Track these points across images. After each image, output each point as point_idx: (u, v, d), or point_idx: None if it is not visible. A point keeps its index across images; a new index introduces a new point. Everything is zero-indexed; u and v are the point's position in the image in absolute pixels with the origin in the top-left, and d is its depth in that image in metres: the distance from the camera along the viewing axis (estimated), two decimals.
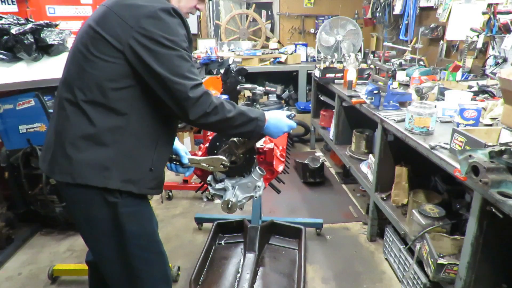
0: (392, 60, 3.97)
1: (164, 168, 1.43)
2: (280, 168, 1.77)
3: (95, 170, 1.22)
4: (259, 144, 1.69)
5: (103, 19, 1.20)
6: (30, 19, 2.62)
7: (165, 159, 1.43)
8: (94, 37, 1.19)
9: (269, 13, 5.73)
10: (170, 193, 3.40)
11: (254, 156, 1.59)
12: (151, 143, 1.30)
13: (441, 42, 3.68)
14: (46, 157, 1.31)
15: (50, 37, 2.48)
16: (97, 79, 1.20)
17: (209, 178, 1.65)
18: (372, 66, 2.98)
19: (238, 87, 2.35)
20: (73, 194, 1.29)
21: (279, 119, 1.44)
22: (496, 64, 2.87)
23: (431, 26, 3.81)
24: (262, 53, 5.06)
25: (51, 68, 2.51)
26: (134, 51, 1.16)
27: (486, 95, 2.49)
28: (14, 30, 2.31)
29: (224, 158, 1.48)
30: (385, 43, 3.27)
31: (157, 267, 1.46)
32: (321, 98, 4.16)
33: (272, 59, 5.03)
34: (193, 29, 5.45)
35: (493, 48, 2.94)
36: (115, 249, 1.34)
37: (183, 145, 1.61)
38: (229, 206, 1.55)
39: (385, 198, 2.49)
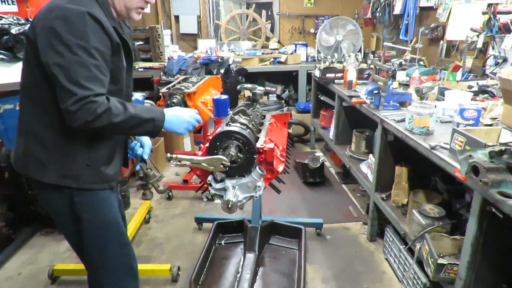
0: (392, 60, 3.97)
1: (111, 163, 1.44)
2: (280, 168, 1.77)
3: (35, 164, 1.33)
4: (259, 144, 1.69)
5: (32, 24, 1.27)
6: (30, 19, 2.62)
7: (107, 154, 1.43)
8: (27, 42, 1.27)
9: (269, 13, 5.73)
10: (170, 193, 3.40)
11: (254, 156, 1.59)
12: (84, 140, 1.33)
13: (441, 42, 3.68)
14: (13, 150, 1.42)
15: None
16: (30, 77, 1.28)
17: (209, 178, 1.64)
18: (372, 66, 2.98)
19: (238, 87, 2.35)
20: (34, 186, 1.40)
21: (177, 115, 1.43)
22: (496, 64, 2.87)
23: (431, 26, 3.82)
24: (262, 53, 5.06)
25: None
26: (42, 49, 1.19)
27: (486, 95, 2.49)
28: (14, 30, 2.31)
29: (224, 158, 1.48)
30: (385, 43, 3.26)
31: (118, 259, 1.50)
32: (321, 98, 4.16)
33: (272, 59, 5.03)
34: (193, 29, 5.46)
35: (493, 48, 2.94)
36: (77, 238, 1.43)
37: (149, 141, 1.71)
38: (229, 206, 1.55)
39: (385, 198, 2.49)
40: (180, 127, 1.43)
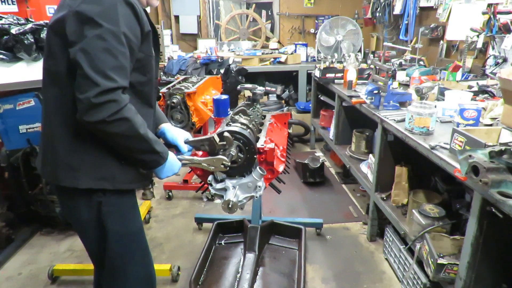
0: (392, 60, 3.97)
1: None
2: (281, 168, 1.77)
3: (66, 171, 1.23)
4: (260, 144, 1.69)
5: (57, 15, 1.16)
6: (30, 19, 2.62)
7: None
8: (51, 35, 1.17)
9: (269, 13, 5.73)
10: (170, 193, 3.40)
11: (255, 156, 1.59)
12: None
13: (441, 42, 3.68)
14: (39, 158, 1.33)
15: None
16: (55, 78, 1.18)
17: (210, 178, 1.64)
18: (372, 66, 2.98)
19: (238, 87, 2.35)
20: (61, 195, 1.33)
21: (173, 163, 1.37)
22: (496, 64, 2.87)
23: (431, 26, 3.82)
24: (262, 53, 5.06)
25: None
26: (68, 36, 1.09)
27: (486, 95, 2.49)
28: (14, 30, 2.31)
29: (225, 158, 1.47)
30: (385, 43, 3.27)
31: (140, 268, 1.46)
32: (321, 98, 4.16)
33: (272, 59, 5.03)
34: (193, 29, 5.46)
35: (493, 48, 2.94)
36: (100, 247, 1.36)
37: (183, 132, 1.56)
38: (230, 206, 1.55)
39: (385, 198, 2.49)
40: (166, 174, 1.36)
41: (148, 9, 1.40)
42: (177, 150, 1.53)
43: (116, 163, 1.25)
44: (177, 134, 1.53)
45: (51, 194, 2.65)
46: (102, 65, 1.06)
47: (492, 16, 2.83)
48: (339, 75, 3.59)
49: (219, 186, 1.62)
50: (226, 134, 1.49)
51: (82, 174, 1.22)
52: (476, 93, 2.51)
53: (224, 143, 1.50)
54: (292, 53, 5.04)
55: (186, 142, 1.53)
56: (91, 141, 1.21)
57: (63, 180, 1.25)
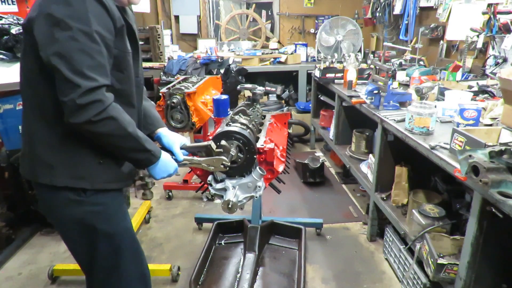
0: (392, 60, 3.97)
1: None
2: (281, 168, 1.77)
3: (42, 167, 1.23)
4: (259, 144, 1.69)
5: (28, 14, 1.15)
6: None
7: None
8: (24, 34, 1.17)
9: (269, 13, 5.73)
10: (170, 193, 3.40)
11: (255, 156, 1.59)
12: None
13: (441, 42, 3.68)
14: (20, 156, 1.33)
15: None
16: (29, 74, 1.19)
17: (210, 178, 1.64)
18: (372, 66, 2.98)
19: (238, 87, 2.35)
20: (40, 193, 1.31)
21: (167, 163, 1.35)
22: (496, 64, 2.87)
23: (431, 26, 3.81)
24: (262, 53, 5.06)
25: None
26: (39, 39, 1.08)
27: (486, 95, 2.49)
28: (14, 30, 2.31)
29: (224, 158, 1.47)
30: (385, 43, 3.27)
31: (133, 266, 1.44)
32: (321, 98, 4.16)
33: (272, 59, 5.03)
34: (193, 29, 5.46)
35: (493, 48, 2.94)
36: (88, 248, 1.34)
37: (180, 138, 1.52)
38: (230, 206, 1.55)
39: (385, 198, 2.49)
40: (160, 174, 1.35)
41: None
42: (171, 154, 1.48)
43: (94, 162, 1.25)
44: (174, 140, 1.49)
45: None
46: (80, 66, 1.06)
47: (492, 16, 2.83)
48: (339, 75, 3.59)
49: (219, 186, 1.62)
50: (223, 142, 1.48)
51: (59, 172, 1.22)
52: (476, 93, 2.51)
53: (221, 150, 1.49)
54: (292, 53, 5.04)
55: (183, 148, 1.50)
56: (68, 139, 1.21)
57: (40, 177, 1.24)
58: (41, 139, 1.22)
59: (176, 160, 1.43)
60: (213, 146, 1.48)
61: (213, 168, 1.49)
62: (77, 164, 1.23)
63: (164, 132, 1.53)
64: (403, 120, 2.16)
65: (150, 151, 1.26)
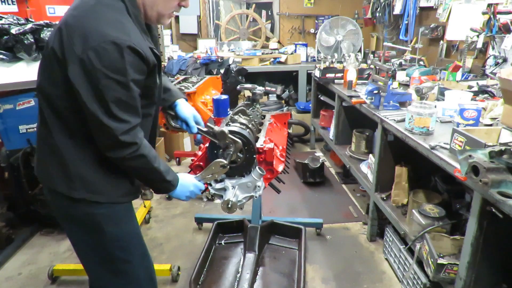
0: (392, 60, 3.97)
1: None
2: (280, 168, 1.77)
3: (62, 179, 1.27)
4: (259, 144, 1.69)
5: (55, 37, 1.17)
6: (30, 19, 2.62)
7: None
8: (52, 53, 1.18)
9: (269, 13, 5.73)
10: None
11: (254, 156, 1.59)
12: None
13: (441, 42, 3.68)
14: (35, 160, 1.37)
15: None
16: (54, 89, 1.20)
17: None
18: (372, 66, 2.98)
19: (238, 87, 2.35)
20: (54, 198, 1.33)
21: (184, 184, 1.43)
22: (496, 64, 2.87)
23: (431, 26, 3.82)
24: (262, 53, 5.06)
25: None
26: (73, 75, 1.11)
27: (486, 95, 2.49)
28: (14, 30, 2.31)
29: (221, 160, 1.48)
30: (385, 43, 3.27)
31: (142, 269, 1.46)
32: (321, 98, 4.16)
33: (272, 59, 5.03)
34: (193, 29, 5.46)
35: (493, 48, 2.94)
36: (96, 250, 1.37)
37: (195, 112, 1.64)
38: (229, 206, 1.55)
39: (385, 198, 2.49)
40: (183, 195, 1.44)
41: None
42: (186, 125, 1.63)
43: (109, 179, 1.31)
44: (189, 114, 1.62)
45: None
46: (115, 112, 1.14)
47: (492, 16, 2.83)
48: (339, 75, 3.59)
49: (218, 186, 1.62)
50: (235, 137, 1.51)
51: (77, 186, 1.27)
52: (476, 93, 2.51)
53: (233, 137, 1.52)
54: (292, 53, 5.05)
55: (198, 128, 1.59)
56: (89, 159, 1.26)
57: (58, 187, 1.29)
58: (62, 153, 1.25)
59: (189, 128, 1.59)
60: (226, 131, 1.50)
61: (217, 174, 1.50)
62: (95, 181, 1.29)
63: (181, 104, 1.64)
64: (403, 120, 2.16)
65: (169, 182, 1.36)
